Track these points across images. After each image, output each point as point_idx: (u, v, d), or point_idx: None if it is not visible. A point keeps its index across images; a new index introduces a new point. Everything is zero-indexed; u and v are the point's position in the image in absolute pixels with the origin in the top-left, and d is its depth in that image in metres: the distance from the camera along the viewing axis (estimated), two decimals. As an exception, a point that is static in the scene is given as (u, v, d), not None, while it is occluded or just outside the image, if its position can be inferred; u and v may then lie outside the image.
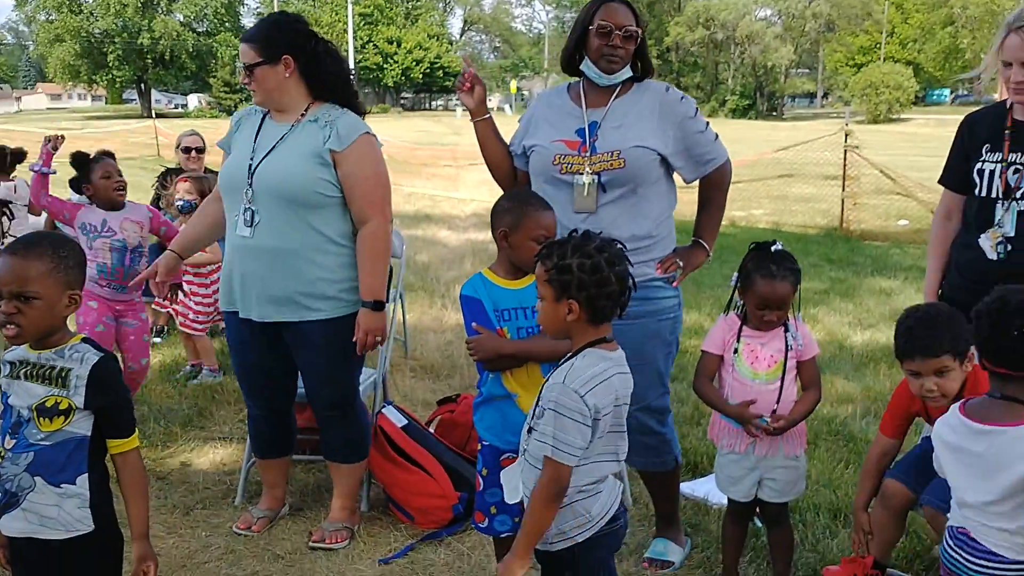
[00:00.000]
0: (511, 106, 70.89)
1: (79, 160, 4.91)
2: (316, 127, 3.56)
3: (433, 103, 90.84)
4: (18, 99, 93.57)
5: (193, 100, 78.76)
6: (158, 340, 6.87)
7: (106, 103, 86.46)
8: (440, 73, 79.54)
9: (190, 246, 3.97)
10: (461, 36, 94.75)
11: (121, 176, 4.94)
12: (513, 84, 75.79)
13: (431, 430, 4.53)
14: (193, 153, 7.00)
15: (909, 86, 59.60)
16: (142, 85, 74.57)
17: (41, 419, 2.36)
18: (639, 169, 3.40)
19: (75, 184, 5.18)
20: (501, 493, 3.09)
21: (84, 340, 2.44)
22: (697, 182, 3.59)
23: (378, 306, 3.61)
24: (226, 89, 69.97)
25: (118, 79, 72.67)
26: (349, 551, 3.78)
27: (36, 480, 2.36)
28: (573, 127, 3.49)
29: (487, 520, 3.24)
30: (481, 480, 3.22)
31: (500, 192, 3.43)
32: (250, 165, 3.56)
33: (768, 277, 3.19)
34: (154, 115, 38.03)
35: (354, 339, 3.62)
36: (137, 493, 2.48)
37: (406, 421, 4.30)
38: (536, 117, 3.64)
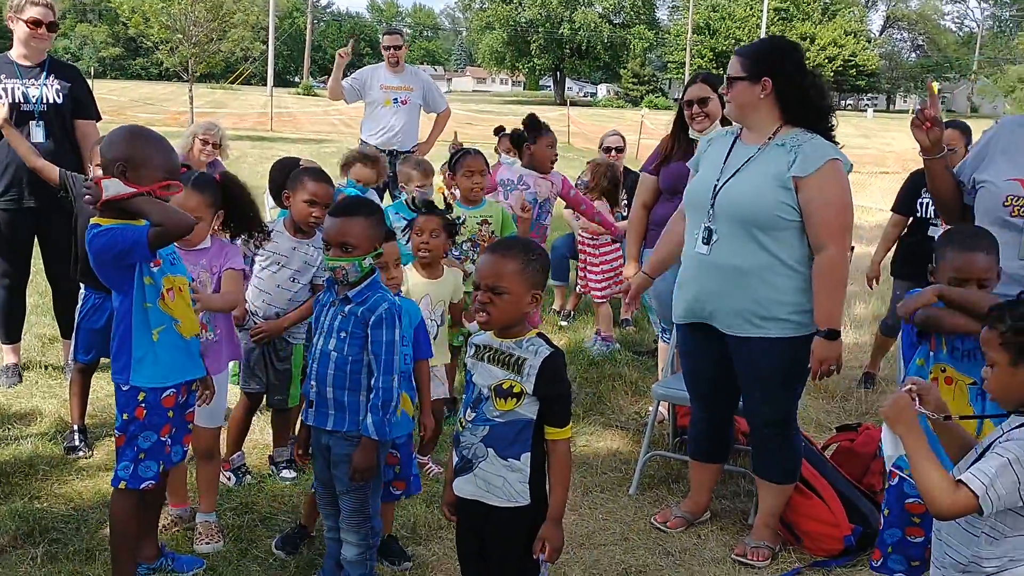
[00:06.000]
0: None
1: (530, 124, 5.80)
2: (782, 151, 3.59)
3: (843, 102, 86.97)
4: (448, 80, 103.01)
5: (602, 90, 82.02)
6: (564, 324, 7.38)
7: (524, 89, 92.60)
8: (853, 72, 75.88)
9: (660, 266, 4.21)
10: (881, 33, 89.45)
11: None
12: (935, 85, 70.34)
13: (826, 455, 4.48)
14: (613, 152, 7.45)
15: None
16: (558, 73, 78.93)
17: (498, 399, 2.70)
18: None
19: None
20: (900, 533, 3.06)
21: (539, 335, 2.74)
22: None
23: (832, 334, 3.58)
24: (634, 80, 72.11)
25: (537, 67, 77.63)
26: (736, 563, 3.87)
27: (489, 451, 2.71)
28: None
29: (882, 559, 3.21)
30: (883, 520, 3.19)
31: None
32: (715, 185, 3.69)
33: None
34: (568, 103, 40.09)
35: (808, 365, 3.65)
36: (560, 479, 2.73)
37: (802, 442, 4.30)
38: (992, 149, 3.44)
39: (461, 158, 5.35)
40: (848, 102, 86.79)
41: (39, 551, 3.54)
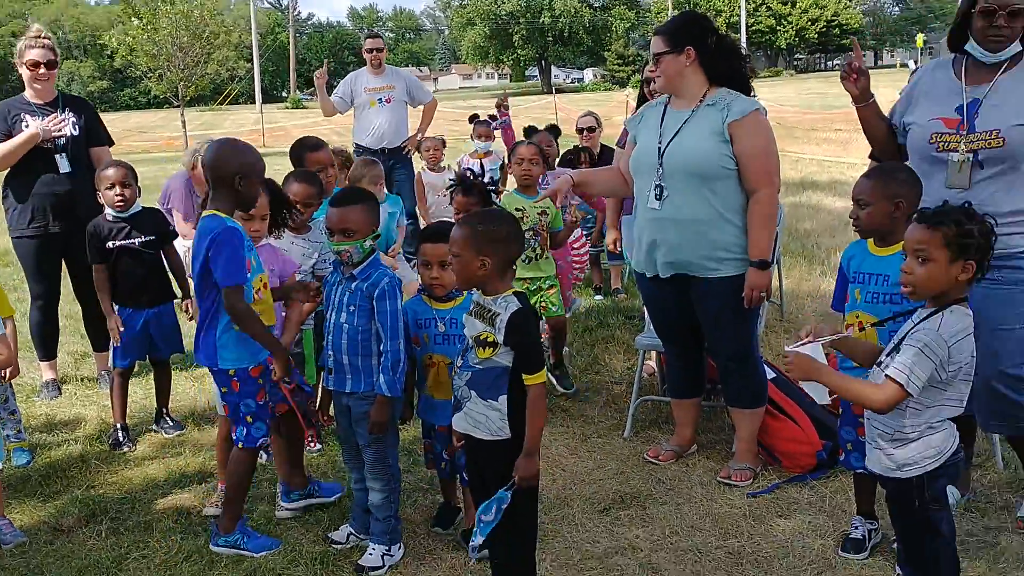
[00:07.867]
0: (916, 61, 65.79)
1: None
2: (714, 110, 4.06)
3: (829, 63, 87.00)
4: (435, 80, 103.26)
5: (588, 74, 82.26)
6: (599, 298, 7.86)
7: (510, 81, 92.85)
8: (837, 31, 75.99)
9: (583, 182, 4.56)
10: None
11: None
12: (920, 38, 70.37)
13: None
14: (585, 132, 7.87)
15: None
16: (543, 62, 79.14)
17: (478, 348, 3.10)
18: (1020, 147, 3.48)
19: None
20: (854, 433, 3.50)
21: (515, 294, 3.12)
22: None
23: (763, 264, 4.06)
24: (619, 62, 72.31)
25: (522, 58, 77.87)
26: (721, 484, 4.31)
27: (472, 393, 3.13)
28: (953, 104, 3.61)
29: (844, 455, 3.69)
30: (839, 420, 3.68)
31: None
32: (659, 148, 4.14)
33: None
34: (554, 90, 40.46)
35: (743, 294, 4.10)
36: (534, 418, 3.06)
37: (775, 375, 4.72)
38: (917, 92, 3.80)
39: (515, 147, 5.79)
40: (836, 62, 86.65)
41: (103, 527, 4.01)
